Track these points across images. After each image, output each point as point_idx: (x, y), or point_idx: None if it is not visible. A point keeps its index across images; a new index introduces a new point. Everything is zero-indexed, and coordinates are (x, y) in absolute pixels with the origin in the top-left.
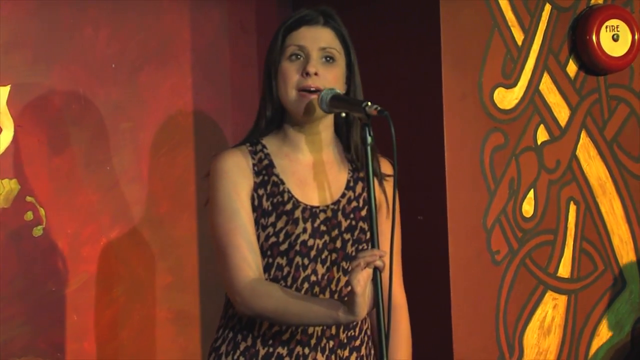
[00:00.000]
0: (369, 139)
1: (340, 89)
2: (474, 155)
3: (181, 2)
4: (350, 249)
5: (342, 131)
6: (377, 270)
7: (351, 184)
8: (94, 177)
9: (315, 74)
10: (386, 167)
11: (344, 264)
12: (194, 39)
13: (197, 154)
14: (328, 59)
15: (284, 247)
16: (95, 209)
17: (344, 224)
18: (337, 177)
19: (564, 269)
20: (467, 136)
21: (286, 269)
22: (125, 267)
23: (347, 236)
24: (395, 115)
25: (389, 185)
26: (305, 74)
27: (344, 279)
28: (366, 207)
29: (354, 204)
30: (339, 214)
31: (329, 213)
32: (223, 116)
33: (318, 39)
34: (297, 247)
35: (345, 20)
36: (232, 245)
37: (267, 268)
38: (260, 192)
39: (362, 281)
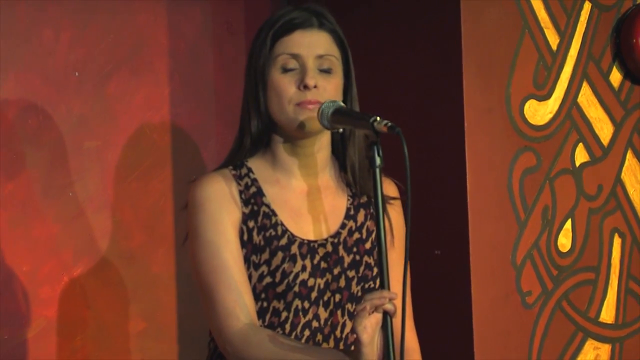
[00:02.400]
0: (378, 160)
1: (337, 100)
2: (500, 179)
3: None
4: (355, 288)
5: (337, 149)
6: (387, 315)
7: (351, 212)
8: (54, 205)
9: (315, 86)
10: (389, 189)
11: (349, 306)
12: (172, 43)
13: (175, 178)
14: (327, 68)
15: (280, 288)
16: (56, 243)
17: (347, 259)
18: (335, 205)
19: (607, 313)
20: (493, 157)
21: (284, 314)
22: (91, 311)
23: (351, 273)
24: (408, 132)
25: (393, 210)
26: (303, 87)
27: (349, 324)
28: (370, 239)
29: (357, 235)
30: (340, 247)
31: (329, 247)
32: (206, 133)
33: (314, 45)
34: (296, 289)
35: (350, 22)
36: (220, 285)
37: (261, 313)
38: (251, 224)
39: (369, 328)
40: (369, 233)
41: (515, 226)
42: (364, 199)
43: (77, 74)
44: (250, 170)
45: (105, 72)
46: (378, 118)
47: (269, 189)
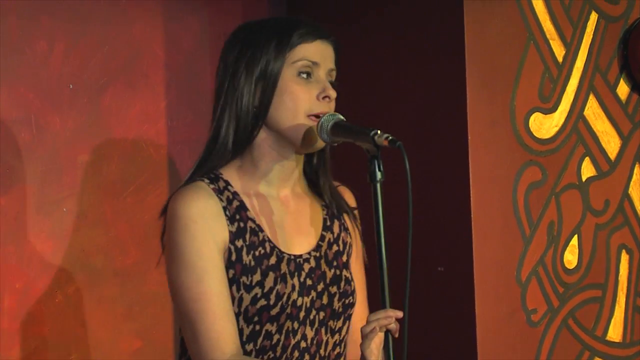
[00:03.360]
0: (379, 175)
1: None
2: (505, 194)
3: (153, 9)
4: (337, 304)
5: (306, 166)
6: (388, 334)
7: (328, 223)
8: (48, 220)
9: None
10: (350, 199)
11: (331, 323)
12: (169, 54)
13: (171, 192)
14: (333, 83)
15: (275, 310)
16: (49, 259)
17: (329, 274)
18: (313, 217)
19: (615, 332)
20: (498, 171)
21: (276, 337)
22: (85, 329)
23: (333, 289)
24: (410, 145)
25: (354, 221)
26: (323, 97)
27: (331, 342)
28: (346, 252)
29: (335, 247)
30: (323, 262)
31: (312, 262)
32: (203, 147)
33: (329, 57)
34: (289, 310)
35: (353, 34)
36: (205, 313)
37: (252, 337)
38: (239, 243)
39: (375, 350)
40: (344, 245)
41: (521, 242)
42: (336, 210)
43: (71, 86)
44: (227, 182)
45: (100, 84)
46: (379, 131)
47: (250, 201)
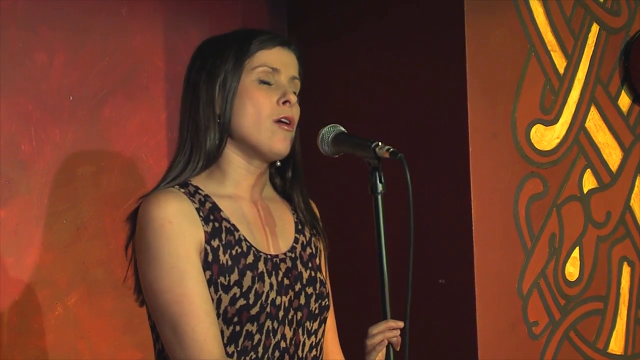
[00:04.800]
0: (380, 187)
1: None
2: (506, 206)
3: (153, 21)
4: (313, 305)
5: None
6: (389, 347)
7: (299, 226)
8: (48, 232)
9: (294, 103)
10: (315, 207)
11: (308, 324)
12: (169, 65)
13: None
14: (295, 92)
15: (255, 310)
16: (49, 271)
17: (305, 275)
18: (285, 220)
19: (616, 344)
20: (499, 183)
21: (257, 337)
22: (85, 342)
23: (309, 290)
24: (411, 157)
25: (320, 233)
26: (284, 102)
27: (308, 343)
28: (319, 255)
29: (309, 250)
30: (298, 263)
31: (289, 262)
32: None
33: (290, 65)
34: (268, 309)
35: (353, 45)
36: (188, 316)
37: (233, 338)
38: (215, 243)
39: None
40: (316, 249)
41: (522, 254)
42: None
43: (71, 98)
44: (197, 187)
45: (100, 96)
46: (380, 143)
47: (223, 203)
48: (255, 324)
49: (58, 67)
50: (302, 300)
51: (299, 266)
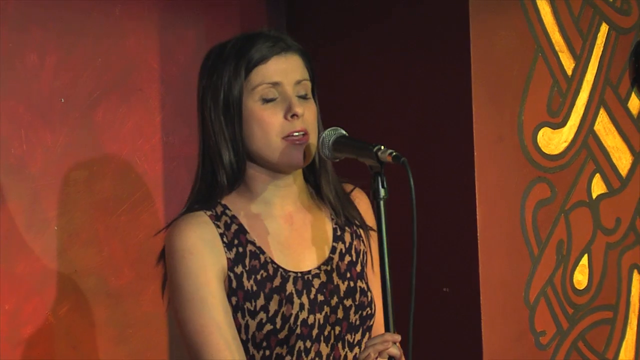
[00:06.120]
0: (382, 192)
1: (318, 126)
2: (513, 211)
3: (147, 20)
4: (353, 317)
5: (309, 176)
6: None
7: (338, 232)
8: (38, 239)
9: (303, 114)
10: (362, 202)
11: (349, 337)
12: (164, 67)
13: (166, 211)
14: (304, 94)
15: (283, 334)
16: (40, 280)
17: (342, 287)
18: (321, 229)
19: (626, 355)
20: (505, 188)
21: (287, 359)
22: (78, 352)
23: (348, 302)
24: (414, 162)
25: (372, 218)
26: (291, 116)
27: (350, 356)
28: (360, 261)
29: (348, 258)
30: (334, 275)
31: (323, 277)
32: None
33: (291, 70)
34: (298, 330)
35: (354, 47)
36: (208, 346)
37: None
38: (238, 270)
39: None
40: (357, 254)
41: (528, 262)
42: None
43: (63, 100)
44: (225, 207)
45: (93, 98)
46: (382, 147)
47: (250, 224)
48: (285, 346)
49: (49, 68)
50: (340, 314)
51: (335, 279)
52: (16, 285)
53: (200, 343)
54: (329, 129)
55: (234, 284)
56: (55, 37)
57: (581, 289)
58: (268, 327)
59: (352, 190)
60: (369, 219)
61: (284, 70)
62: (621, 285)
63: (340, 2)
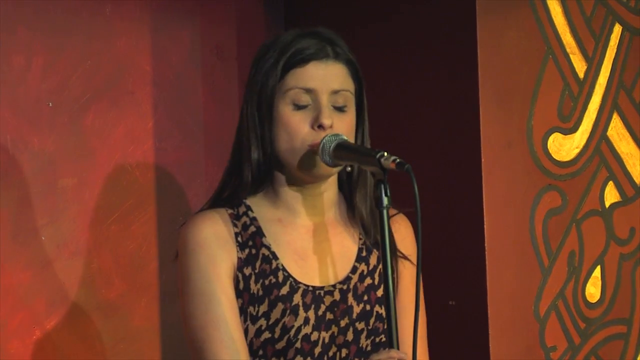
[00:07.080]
0: (386, 200)
1: (350, 139)
2: (522, 221)
3: (139, 21)
4: (364, 342)
5: (343, 186)
6: None
7: (363, 253)
8: (25, 250)
9: (330, 126)
10: (400, 227)
11: None
12: (156, 69)
13: (159, 220)
14: (341, 106)
15: (280, 345)
16: (27, 292)
17: (356, 309)
18: (345, 246)
19: None
20: (514, 196)
21: None
22: None
23: (360, 325)
24: (419, 169)
25: (406, 248)
26: (318, 126)
27: None
28: (382, 287)
29: (368, 280)
30: (350, 296)
31: (337, 295)
32: (194, 170)
33: (329, 79)
34: (298, 345)
35: (359, 50)
36: (212, 342)
37: None
38: (247, 271)
39: None
40: (381, 278)
41: (539, 273)
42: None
43: (50, 104)
44: (249, 208)
45: (82, 102)
46: (385, 153)
47: (269, 228)
48: (282, 359)
49: (36, 70)
50: (350, 337)
51: (350, 299)
52: (1, 298)
53: (204, 339)
54: (329, 135)
55: (241, 285)
56: (43, 38)
57: (594, 302)
58: (266, 334)
59: (394, 215)
60: (406, 246)
61: (322, 77)
62: (635, 298)
63: (340, 2)
